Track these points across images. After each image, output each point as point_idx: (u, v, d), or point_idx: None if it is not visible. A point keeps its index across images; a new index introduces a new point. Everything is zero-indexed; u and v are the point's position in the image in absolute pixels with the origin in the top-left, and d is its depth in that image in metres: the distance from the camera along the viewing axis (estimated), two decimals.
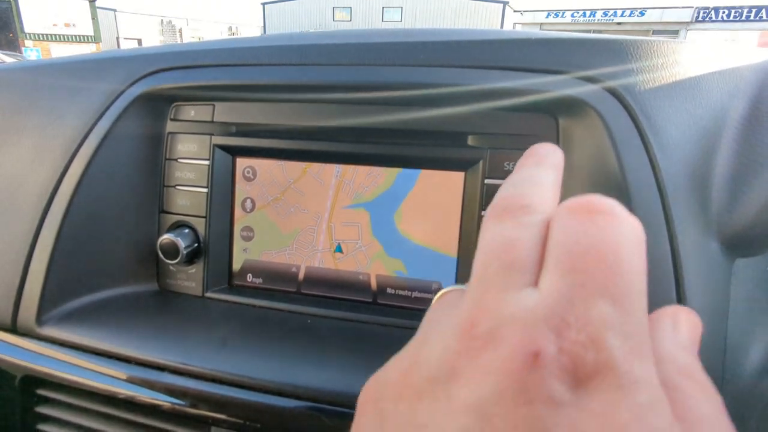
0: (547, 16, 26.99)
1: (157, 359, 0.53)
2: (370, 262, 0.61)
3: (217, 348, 0.53)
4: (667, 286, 0.44)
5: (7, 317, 0.59)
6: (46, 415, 0.58)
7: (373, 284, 0.61)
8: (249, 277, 0.65)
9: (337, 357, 0.51)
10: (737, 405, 0.44)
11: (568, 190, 0.53)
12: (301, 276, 0.63)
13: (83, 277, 0.61)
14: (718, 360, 0.44)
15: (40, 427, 0.58)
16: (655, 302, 0.43)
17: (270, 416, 0.48)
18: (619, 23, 24.88)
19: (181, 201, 0.65)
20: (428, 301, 0.60)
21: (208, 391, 0.50)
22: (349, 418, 0.47)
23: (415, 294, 0.60)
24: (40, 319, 0.57)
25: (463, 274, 0.58)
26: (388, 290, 0.61)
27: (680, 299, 0.44)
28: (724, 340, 0.45)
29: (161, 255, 0.63)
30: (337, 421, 0.47)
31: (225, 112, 0.63)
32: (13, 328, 0.59)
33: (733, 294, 0.46)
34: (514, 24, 27.33)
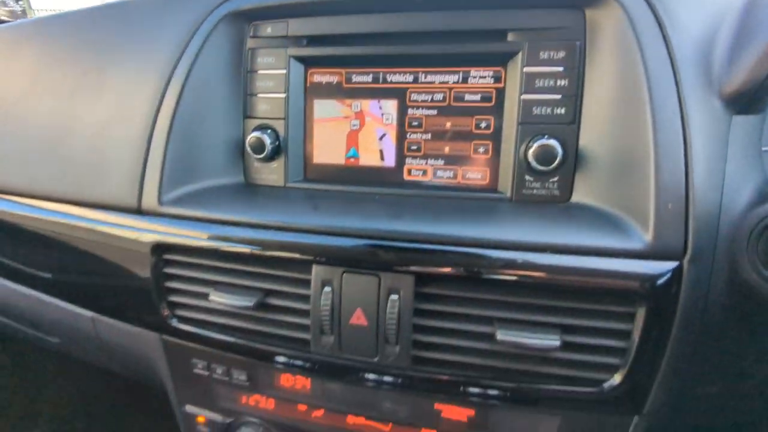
0: None
1: (261, 221, 0.66)
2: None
3: (310, 211, 0.66)
4: (676, 135, 0.55)
5: (133, 202, 0.73)
6: (172, 274, 0.73)
7: (429, 172, 0.73)
8: (322, 171, 0.78)
9: (404, 215, 0.64)
10: (733, 230, 0.55)
11: (596, 70, 0.63)
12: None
13: (188, 170, 0.74)
14: (716, 194, 0.55)
15: (167, 284, 0.73)
16: (665, 147, 0.54)
17: (357, 254, 0.62)
18: None
19: (262, 106, 0.77)
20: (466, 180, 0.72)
21: (307, 242, 0.64)
22: (397, 251, 0.60)
23: (462, 173, 0.72)
24: (160, 201, 0.71)
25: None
26: (437, 175, 0.73)
27: (686, 145, 0.55)
28: (722, 179, 0.56)
29: (249, 150, 0.75)
30: (392, 255, 0.61)
31: (298, 26, 0.74)
32: (139, 210, 0.73)
33: (731, 143, 0.57)
34: None
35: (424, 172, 0.74)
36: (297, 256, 0.64)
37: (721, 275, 0.55)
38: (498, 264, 0.57)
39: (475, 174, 0.72)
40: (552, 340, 0.56)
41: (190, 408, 0.82)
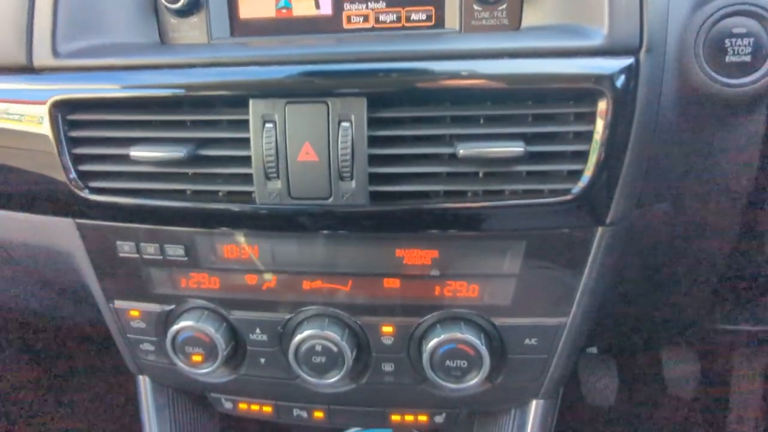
0: None
1: (184, 60, 0.57)
2: None
3: (241, 46, 0.58)
4: None
5: (21, 58, 0.61)
6: (80, 137, 0.61)
7: (371, 17, 0.67)
8: (251, 26, 0.69)
9: (348, 41, 0.58)
10: (681, 29, 0.55)
11: None
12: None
13: (87, 18, 0.63)
14: (663, 11, 0.54)
15: (76, 150, 0.61)
16: None
17: (301, 81, 0.56)
18: None
19: None
20: None
21: (241, 77, 0.56)
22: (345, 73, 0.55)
23: (406, 15, 0.67)
24: (56, 52, 0.60)
25: None
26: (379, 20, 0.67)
27: None
28: None
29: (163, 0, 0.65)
30: (340, 78, 0.56)
31: None
32: (30, 67, 0.61)
33: None
34: None
35: (365, 18, 0.68)
36: (230, 93, 0.57)
37: (672, 72, 0.55)
38: (454, 74, 0.54)
39: (420, 14, 0.67)
40: (515, 147, 0.53)
41: (119, 303, 0.71)
